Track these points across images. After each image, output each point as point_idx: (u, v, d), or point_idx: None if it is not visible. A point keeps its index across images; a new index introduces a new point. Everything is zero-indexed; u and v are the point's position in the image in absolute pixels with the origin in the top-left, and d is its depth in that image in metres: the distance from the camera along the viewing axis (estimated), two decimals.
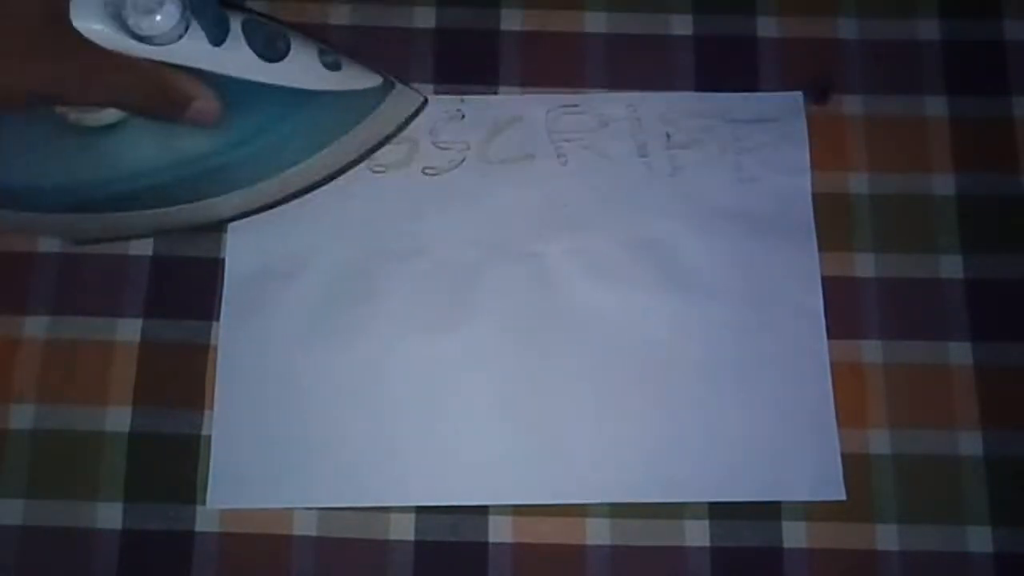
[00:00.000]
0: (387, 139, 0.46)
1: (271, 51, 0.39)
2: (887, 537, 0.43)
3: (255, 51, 0.39)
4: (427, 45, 0.49)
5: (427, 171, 0.48)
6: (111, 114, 0.40)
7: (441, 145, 0.48)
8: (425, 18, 0.50)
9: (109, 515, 0.43)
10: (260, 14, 0.42)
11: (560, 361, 0.45)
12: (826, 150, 0.48)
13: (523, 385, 0.45)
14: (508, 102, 0.49)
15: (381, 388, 0.45)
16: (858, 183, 0.47)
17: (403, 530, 0.43)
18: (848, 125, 0.48)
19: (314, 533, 0.43)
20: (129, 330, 0.45)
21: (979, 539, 0.43)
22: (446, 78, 0.49)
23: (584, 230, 0.47)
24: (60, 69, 0.36)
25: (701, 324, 0.45)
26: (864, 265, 0.46)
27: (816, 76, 0.49)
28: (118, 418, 0.44)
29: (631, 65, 0.49)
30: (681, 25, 0.50)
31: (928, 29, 0.49)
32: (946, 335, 0.45)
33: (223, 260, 0.46)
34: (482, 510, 0.43)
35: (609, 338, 0.45)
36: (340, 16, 0.49)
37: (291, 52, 0.40)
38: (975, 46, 0.49)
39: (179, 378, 0.45)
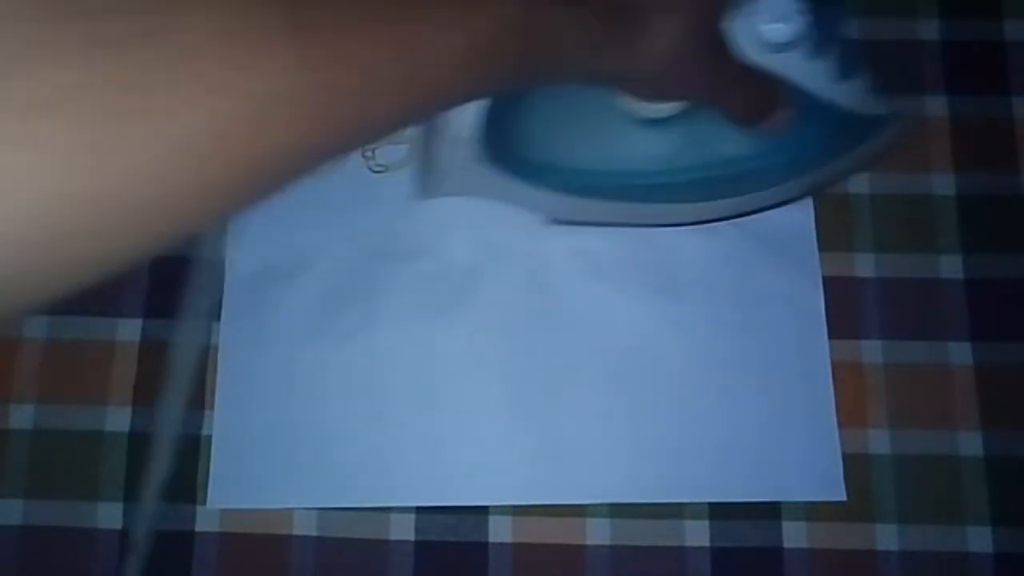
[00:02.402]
0: (869, 164, 0.46)
1: (846, 71, 0.39)
2: (887, 537, 0.43)
3: (836, 69, 0.39)
4: None
5: None
6: (667, 108, 0.40)
7: None
8: None
9: (109, 515, 0.43)
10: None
11: (560, 361, 0.45)
12: None
13: (523, 385, 0.45)
14: None
15: (381, 388, 0.45)
16: (858, 183, 0.47)
17: (403, 530, 0.43)
18: None
19: (314, 533, 0.43)
20: (129, 330, 0.45)
21: (979, 539, 0.43)
22: None
23: (584, 230, 0.46)
24: (721, 73, 0.36)
25: (701, 324, 0.45)
26: (864, 265, 0.46)
27: None
28: (118, 418, 0.44)
29: None
30: None
31: (928, 29, 0.49)
32: (946, 335, 0.45)
33: (223, 260, 0.46)
34: (482, 510, 0.43)
35: (609, 338, 0.45)
36: None
37: (857, 74, 0.40)
38: (975, 46, 0.49)
39: None
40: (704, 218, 0.45)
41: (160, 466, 0.43)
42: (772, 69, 0.37)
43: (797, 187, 0.44)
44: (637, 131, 0.41)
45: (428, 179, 0.43)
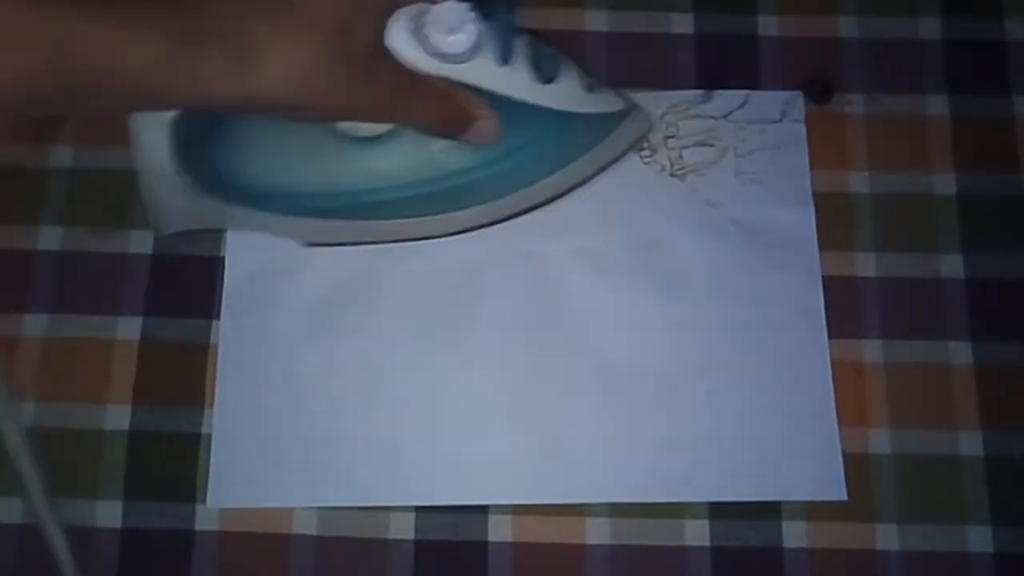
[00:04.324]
0: (616, 160, 0.46)
1: (545, 73, 0.40)
2: (887, 537, 0.43)
3: (533, 73, 0.39)
4: None
5: None
6: (376, 127, 0.40)
7: None
8: None
9: (109, 514, 0.43)
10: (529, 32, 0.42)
11: (560, 361, 0.45)
12: (826, 149, 0.48)
13: (523, 385, 0.45)
14: None
15: (381, 387, 0.45)
16: (859, 182, 0.47)
17: (403, 529, 0.43)
18: (848, 124, 0.48)
19: (314, 532, 0.43)
20: (129, 328, 0.45)
21: (979, 539, 0.43)
22: None
23: (584, 230, 0.46)
24: (376, 91, 0.36)
25: (702, 323, 0.45)
26: (865, 264, 0.46)
27: (817, 75, 0.49)
28: (118, 416, 0.44)
29: (632, 64, 0.49)
30: (682, 24, 0.50)
31: (929, 28, 0.49)
32: (947, 334, 0.45)
33: (223, 258, 0.46)
34: (482, 509, 0.43)
35: (609, 338, 0.45)
36: None
37: (560, 74, 0.40)
38: (976, 45, 0.49)
39: (179, 376, 0.45)
40: (450, 230, 0.45)
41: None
42: (460, 80, 0.37)
43: (540, 191, 0.44)
44: (354, 150, 0.41)
45: (154, 216, 0.42)
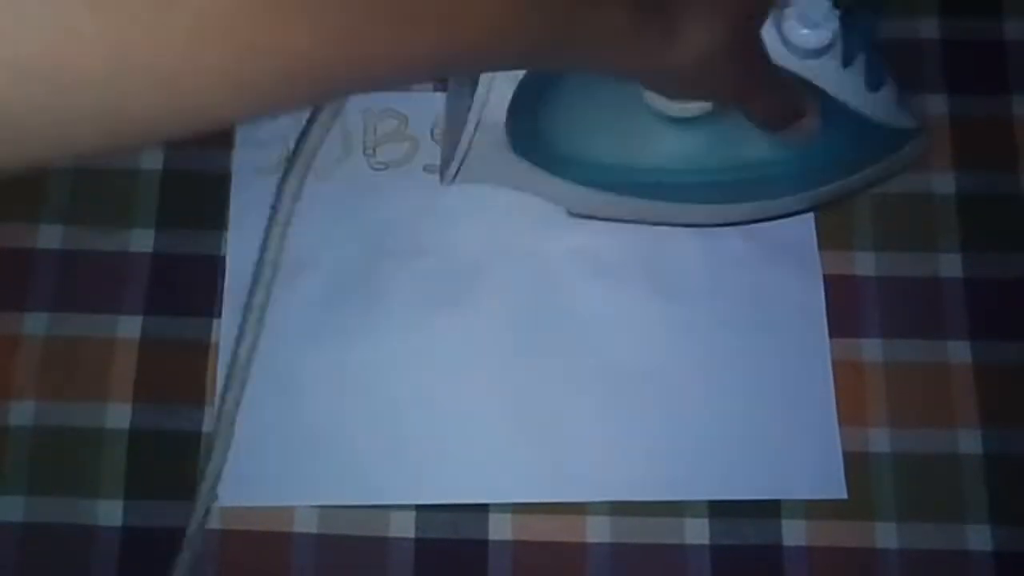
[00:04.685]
0: (890, 178, 0.45)
1: (874, 80, 0.39)
2: (887, 535, 0.43)
3: (866, 78, 0.39)
4: None
5: (428, 168, 0.48)
6: (695, 107, 0.40)
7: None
8: None
9: (110, 512, 0.43)
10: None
11: (560, 360, 0.45)
12: None
13: (524, 384, 0.45)
14: None
15: (382, 386, 0.45)
16: None
17: (404, 527, 0.43)
18: None
19: (315, 530, 0.43)
20: (130, 327, 0.45)
21: (979, 537, 0.43)
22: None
23: (585, 229, 0.46)
24: (748, 75, 0.36)
25: (702, 322, 0.45)
26: (864, 264, 0.46)
27: None
28: (119, 415, 0.44)
29: None
30: None
31: (928, 28, 0.49)
32: (946, 334, 0.45)
33: (224, 257, 0.46)
34: (482, 508, 0.43)
35: (609, 337, 0.45)
36: None
37: (886, 85, 0.40)
38: (975, 45, 0.49)
39: (180, 375, 0.45)
40: (720, 221, 0.45)
41: (216, 463, 0.42)
42: (802, 75, 0.37)
43: (816, 197, 0.44)
44: (663, 129, 0.41)
45: (453, 164, 0.42)
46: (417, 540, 0.43)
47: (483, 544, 0.43)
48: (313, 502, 0.43)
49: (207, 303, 0.46)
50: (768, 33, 0.36)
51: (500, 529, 0.43)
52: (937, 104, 0.48)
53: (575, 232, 0.46)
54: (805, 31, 0.36)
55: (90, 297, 0.46)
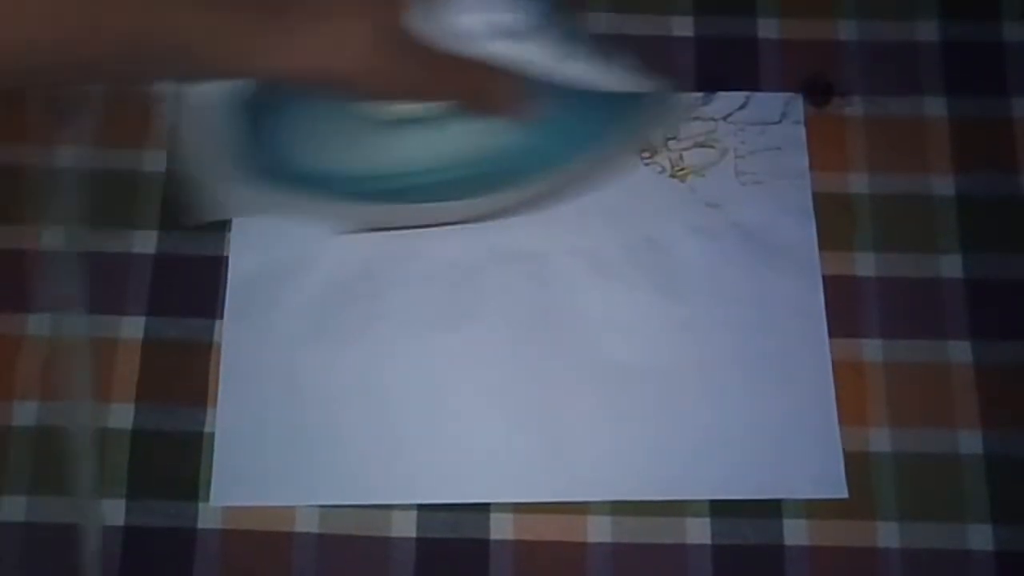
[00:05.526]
0: (638, 143, 0.46)
1: (576, 50, 0.40)
2: (888, 535, 0.43)
3: (565, 49, 0.39)
4: None
5: None
6: (408, 108, 0.40)
7: None
8: None
9: (112, 512, 0.43)
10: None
11: (561, 360, 0.45)
12: (826, 150, 0.48)
13: (524, 384, 0.45)
14: None
15: (383, 386, 0.45)
16: (858, 183, 0.48)
17: (405, 527, 0.43)
18: (848, 126, 0.48)
19: (316, 530, 0.43)
20: (132, 328, 0.45)
21: (979, 537, 0.43)
22: None
23: (584, 230, 0.47)
24: (419, 68, 0.36)
25: (702, 323, 0.45)
26: (864, 264, 0.46)
27: (816, 77, 0.49)
28: (121, 415, 0.44)
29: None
30: (682, 26, 0.50)
31: (927, 30, 0.50)
32: (946, 334, 0.46)
33: (226, 258, 0.46)
34: (483, 508, 0.43)
35: (611, 337, 0.45)
36: None
37: (591, 52, 0.40)
38: (974, 47, 0.49)
39: (182, 375, 0.45)
40: (492, 212, 0.45)
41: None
42: (498, 57, 0.37)
43: (574, 170, 0.44)
44: (394, 132, 0.41)
45: (202, 203, 0.43)
46: (418, 540, 0.43)
47: (484, 543, 0.43)
48: (314, 502, 0.43)
49: (209, 304, 0.46)
50: (448, 19, 0.36)
51: (501, 529, 0.43)
52: (937, 106, 0.49)
53: (575, 232, 0.46)
54: (486, 14, 0.36)
55: (93, 298, 0.46)
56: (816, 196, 0.47)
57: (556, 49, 0.39)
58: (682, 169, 0.48)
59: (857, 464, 0.44)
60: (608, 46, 0.41)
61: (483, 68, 0.38)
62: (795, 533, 0.43)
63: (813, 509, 0.43)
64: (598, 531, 0.43)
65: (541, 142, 0.41)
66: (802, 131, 0.48)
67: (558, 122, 0.40)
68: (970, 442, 0.44)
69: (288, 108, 0.41)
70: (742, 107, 0.48)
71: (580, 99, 0.40)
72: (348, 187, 0.42)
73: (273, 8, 0.32)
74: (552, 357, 0.45)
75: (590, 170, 0.45)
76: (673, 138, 0.48)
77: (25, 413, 0.44)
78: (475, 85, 0.38)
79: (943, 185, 0.48)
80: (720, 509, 0.43)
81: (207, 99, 0.38)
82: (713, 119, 0.49)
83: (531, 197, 0.45)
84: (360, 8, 0.34)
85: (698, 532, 0.43)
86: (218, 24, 0.31)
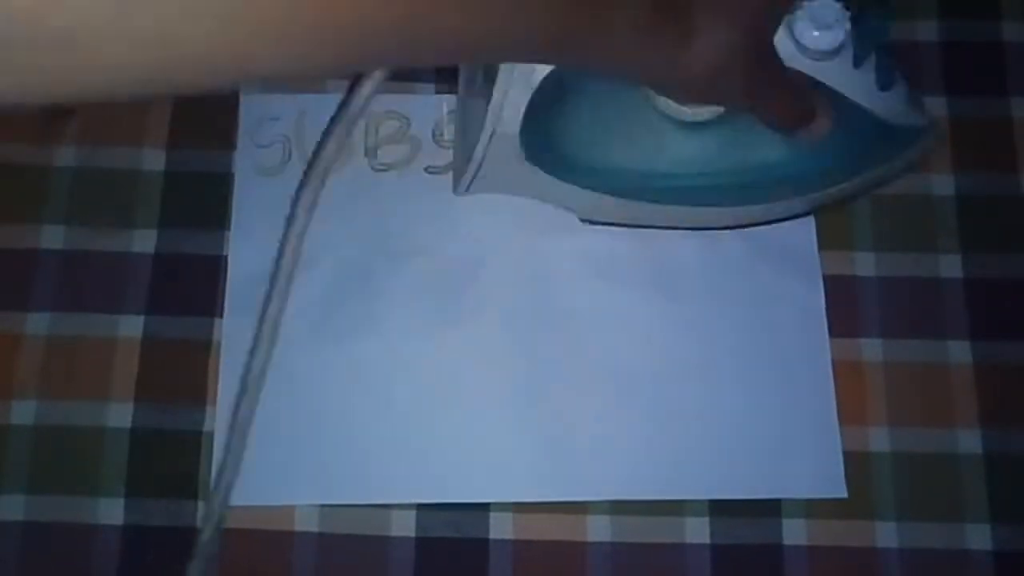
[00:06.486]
0: (898, 176, 0.46)
1: (884, 80, 0.39)
2: (887, 534, 0.43)
3: (877, 78, 0.39)
4: None
5: (430, 170, 0.48)
6: (706, 111, 0.40)
7: (444, 144, 0.48)
8: None
9: (110, 511, 0.43)
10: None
11: (561, 359, 0.45)
12: None
13: (524, 383, 0.45)
14: None
15: (383, 386, 0.45)
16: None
17: (405, 526, 0.43)
18: None
19: (316, 529, 0.43)
20: (131, 326, 0.45)
21: (979, 536, 0.43)
22: (449, 77, 0.49)
23: (585, 230, 0.47)
24: (760, 80, 0.36)
25: (702, 322, 0.45)
26: (864, 264, 0.46)
27: None
28: (120, 414, 0.44)
29: None
30: None
31: (927, 30, 0.50)
32: (946, 334, 0.46)
33: (226, 257, 0.46)
34: (483, 507, 0.43)
35: (610, 336, 0.45)
36: None
37: (895, 84, 0.40)
38: (974, 47, 0.49)
39: (182, 374, 0.45)
40: (730, 223, 0.46)
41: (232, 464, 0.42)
42: (814, 77, 0.37)
43: (825, 196, 0.44)
44: (674, 134, 0.41)
45: (466, 175, 0.43)
46: (418, 539, 0.43)
47: (484, 543, 0.43)
48: (314, 501, 0.43)
49: (209, 303, 0.46)
50: (780, 35, 0.36)
51: (501, 528, 0.43)
52: (936, 106, 0.49)
53: (576, 233, 0.46)
54: (817, 33, 0.36)
55: (92, 297, 0.46)
56: None
57: (867, 74, 0.39)
58: None
59: (856, 464, 0.44)
60: (903, 75, 0.41)
61: (803, 86, 0.38)
62: (794, 533, 0.43)
63: (812, 509, 0.43)
64: (597, 530, 0.43)
65: (815, 161, 0.41)
66: None
67: (836, 144, 0.40)
68: (969, 442, 0.44)
69: (576, 95, 0.40)
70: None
71: (864, 124, 0.40)
72: (620, 181, 0.43)
73: (674, 9, 0.31)
74: (552, 357, 0.45)
75: (845, 195, 0.45)
76: None
77: (24, 412, 0.44)
78: (798, 104, 0.38)
79: (943, 184, 0.48)
80: (719, 508, 0.43)
81: (527, 74, 0.38)
82: None
83: (783, 214, 0.45)
84: (739, 17, 0.33)
85: (697, 531, 0.43)
86: (642, 24, 0.31)
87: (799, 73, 0.37)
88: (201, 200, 0.47)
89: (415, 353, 0.45)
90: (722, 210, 0.45)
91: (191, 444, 0.44)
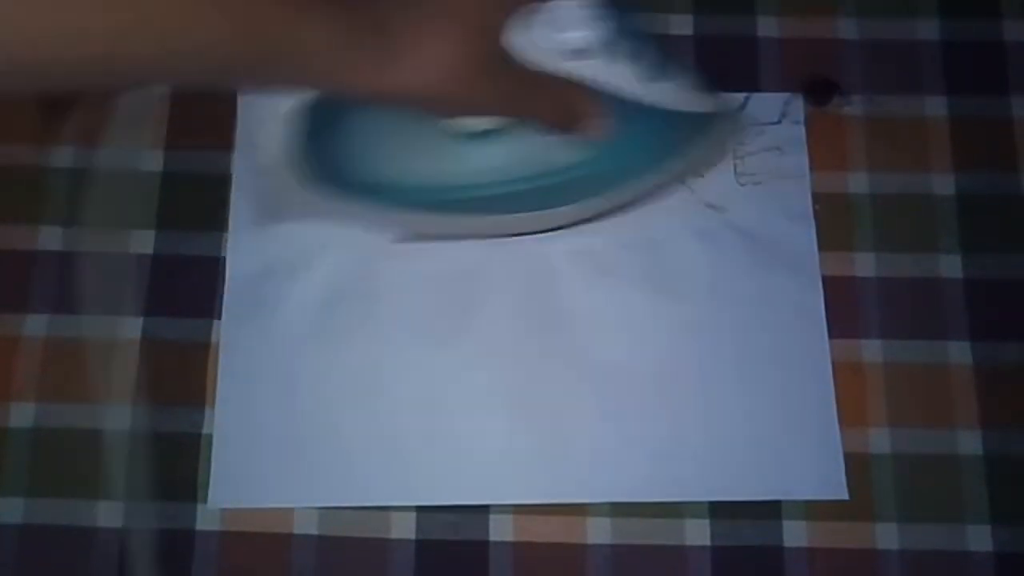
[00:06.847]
0: (708, 161, 0.46)
1: (654, 71, 0.40)
2: (887, 536, 0.43)
3: (644, 70, 0.39)
4: None
5: None
6: (484, 121, 0.40)
7: None
8: None
9: (109, 513, 0.43)
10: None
11: (561, 360, 0.45)
12: (826, 150, 0.48)
13: (524, 384, 0.45)
14: None
15: (382, 387, 0.45)
16: (858, 183, 0.47)
17: (404, 529, 0.43)
18: (848, 125, 0.48)
19: (315, 532, 0.43)
20: (130, 328, 0.45)
21: (979, 537, 0.43)
22: None
23: (584, 230, 0.47)
24: (503, 87, 0.36)
25: (702, 323, 0.45)
26: (864, 265, 0.46)
27: (816, 77, 0.49)
28: (119, 416, 0.44)
29: None
30: (681, 25, 0.50)
31: (928, 29, 0.50)
32: (946, 335, 0.45)
33: (224, 259, 0.46)
34: (483, 509, 0.43)
35: (610, 338, 0.45)
36: None
37: (668, 73, 0.40)
38: (975, 46, 0.49)
39: (180, 377, 0.45)
40: (548, 226, 0.46)
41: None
42: (579, 76, 0.38)
43: (638, 190, 0.45)
44: (463, 145, 0.41)
45: (260, 209, 0.43)
46: (418, 541, 0.43)
47: (484, 545, 0.43)
48: (313, 503, 0.43)
49: (207, 304, 0.46)
50: (531, 39, 0.36)
51: (501, 530, 0.43)
52: (937, 105, 0.49)
53: (575, 233, 0.46)
54: (568, 34, 0.37)
55: (91, 298, 0.45)
56: (816, 195, 0.47)
57: (629, 67, 0.39)
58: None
59: (857, 465, 0.44)
60: (679, 64, 0.41)
61: (565, 87, 0.38)
62: (795, 534, 0.43)
63: (813, 510, 0.43)
64: (597, 533, 0.43)
65: (609, 159, 0.41)
66: (802, 131, 0.48)
67: (627, 140, 0.41)
68: (969, 442, 0.44)
69: (354, 115, 0.41)
70: (741, 107, 0.48)
71: (649, 117, 0.40)
72: (413, 197, 0.43)
73: (375, 28, 0.32)
74: (552, 358, 0.45)
75: (654, 188, 0.45)
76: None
77: (22, 414, 0.44)
78: (559, 104, 0.38)
79: (943, 184, 0.48)
80: (719, 510, 0.43)
81: (275, 103, 0.39)
82: None
83: (593, 212, 0.45)
84: (451, 28, 0.33)
85: (697, 533, 0.43)
86: (334, 42, 0.31)
87: (561, 75, 0.37)
88: (199, 201, 0.47)
89: (415, 354, 0.45)
90: (535, 214, 0.44)
91: (189, 446, 0.44)
